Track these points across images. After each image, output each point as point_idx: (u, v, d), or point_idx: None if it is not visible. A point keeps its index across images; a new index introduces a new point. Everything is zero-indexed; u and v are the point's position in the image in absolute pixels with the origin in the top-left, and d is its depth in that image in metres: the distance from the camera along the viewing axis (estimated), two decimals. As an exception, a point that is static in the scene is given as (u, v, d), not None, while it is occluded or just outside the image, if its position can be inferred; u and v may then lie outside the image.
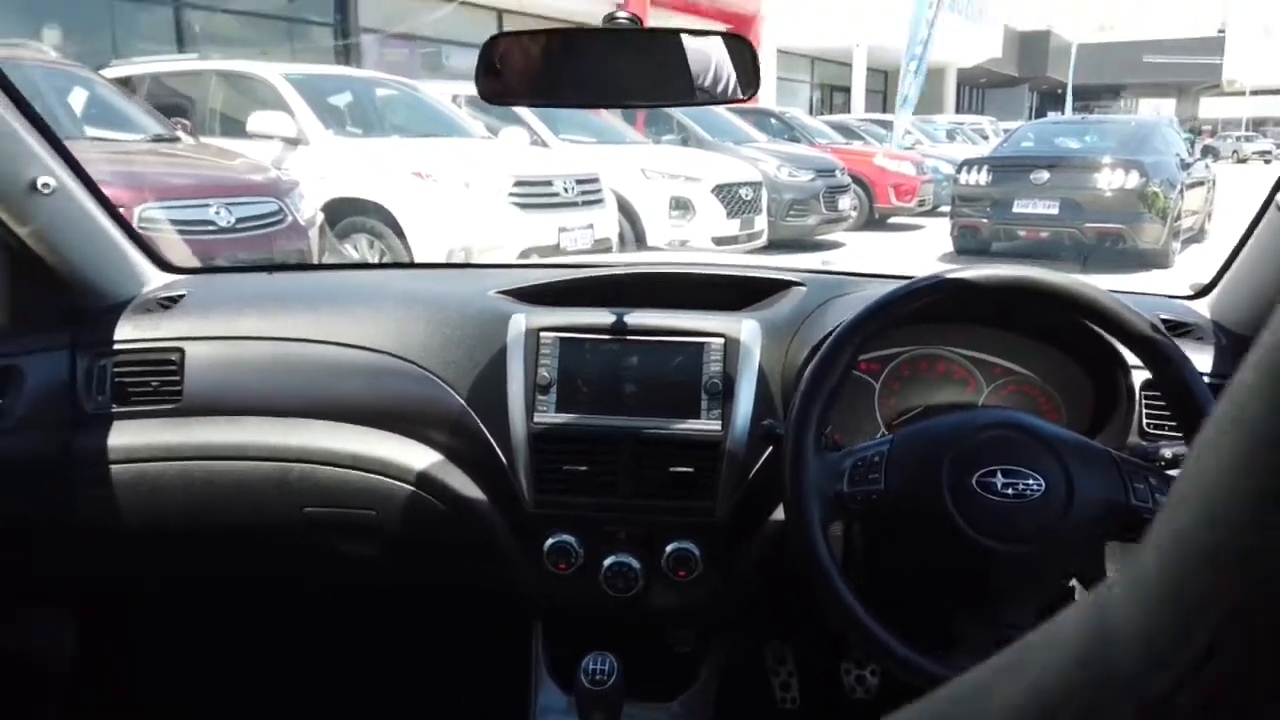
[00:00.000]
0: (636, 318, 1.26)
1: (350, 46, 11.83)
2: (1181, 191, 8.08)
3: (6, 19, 7.73)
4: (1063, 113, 22.98)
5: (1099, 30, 35.82)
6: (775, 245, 7.84)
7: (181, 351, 1.36)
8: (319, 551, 1.44)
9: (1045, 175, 8.04)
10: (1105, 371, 1.17)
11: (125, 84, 5.83)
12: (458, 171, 5.45)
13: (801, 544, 0.94)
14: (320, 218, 5.02)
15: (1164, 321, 1.06)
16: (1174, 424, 1.09)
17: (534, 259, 4.86)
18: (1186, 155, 8.97)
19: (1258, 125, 40.21)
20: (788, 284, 1.38)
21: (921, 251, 9.07)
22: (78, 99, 4.90)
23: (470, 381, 1.28)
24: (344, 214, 5.41)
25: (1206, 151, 10.37)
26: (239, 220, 4.41)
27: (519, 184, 5.55)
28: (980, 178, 8.40)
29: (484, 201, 5.39)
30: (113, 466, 1.35)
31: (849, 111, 19.38)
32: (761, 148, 9.05)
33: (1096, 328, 1.03)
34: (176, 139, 5.08)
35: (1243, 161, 29.46)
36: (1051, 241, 7.95)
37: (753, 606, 1.33)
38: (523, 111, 6.76)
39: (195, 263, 1.75)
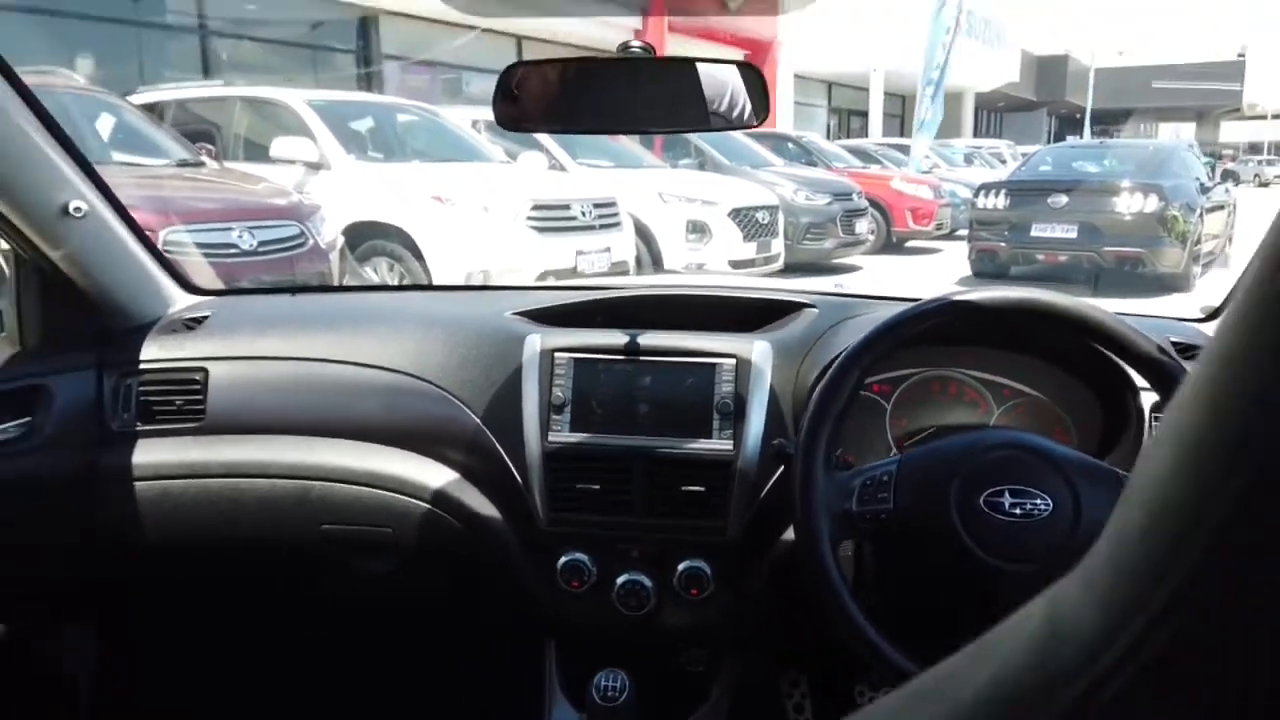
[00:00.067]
0: (649, 339, 1.27)
1: (372, 73, 11.99)
2: (1201, 215, 8.02)
3: (40, 48, 7.90)
4: (1081, 137, 22.89)
5: (1117, 55, 35.77)
6: (792, 268, 7.83)
7: (205, 371, 1.39)
8: (336, 568, 1.46)
9: (1064, 199, 7.99)
10: (1114, 393, 1.17)
11: (152, 110, 5.93)
12: (477, 195, 5.49)
13: (811, 562, 0.95)
14: (341, 241, 5.08)
15: (1173, 344, 1.06)
16: None
17: (551, 281, 4.89)
18: (1206, 179, 8.91)
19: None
20: (799, 306, 1.40)
21: (939, 275, 9.02)
22: (105, 124, 4.98)
23: (486, 401, 1.30)
24: (365, 237, 5.46)
25: (1227, 175, 10.27)
26: (261, 243, 4.48)
27: (537, 208, 5.60)
28: (998, 201, 8.37)
29: (502, 225, 5.43)
30: (137, 483, 1.37)
31: (866, 136, 19.39)
32: (778, 172, 9.05)
33: (1104, 350, 1.04)
34: (201, 164, 5.16)
35: (1265, 185, 29.20)
36: (1070, 265, 7.90)
37: (765, 626, 1.33)
38: (541, 136, 6.80)
39: (219, 284, 1.78)
